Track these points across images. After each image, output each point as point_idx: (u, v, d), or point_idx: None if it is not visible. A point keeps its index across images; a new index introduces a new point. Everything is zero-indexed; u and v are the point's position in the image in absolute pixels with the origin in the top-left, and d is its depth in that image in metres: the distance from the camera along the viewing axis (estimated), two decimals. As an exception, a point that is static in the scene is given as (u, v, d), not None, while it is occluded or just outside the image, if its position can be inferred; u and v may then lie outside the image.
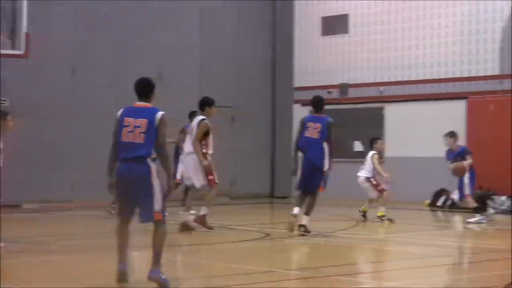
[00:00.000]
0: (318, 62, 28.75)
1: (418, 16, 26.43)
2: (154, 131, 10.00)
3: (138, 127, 10.00)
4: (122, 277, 10.08)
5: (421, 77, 26.27)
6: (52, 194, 23.67)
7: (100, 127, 21.09)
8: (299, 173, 16.33)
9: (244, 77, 28.55)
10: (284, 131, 28.85)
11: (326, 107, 26.79)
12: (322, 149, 16.22)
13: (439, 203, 24.40)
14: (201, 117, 16.77)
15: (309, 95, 28.04)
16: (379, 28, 27.29)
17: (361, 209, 19.74)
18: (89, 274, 11.55)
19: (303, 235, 16.09)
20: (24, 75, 23.59)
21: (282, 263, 13.60)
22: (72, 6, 24.76)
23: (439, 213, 23.44)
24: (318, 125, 16.34)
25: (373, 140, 20.45)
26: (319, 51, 28.77)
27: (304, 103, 28.33)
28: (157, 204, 10.07)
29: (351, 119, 27.33)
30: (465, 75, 25.33)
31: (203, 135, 16.52)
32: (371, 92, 27.25)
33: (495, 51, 24.79)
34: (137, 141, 9.98)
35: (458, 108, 25.09)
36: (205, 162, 16.41)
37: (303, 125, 16.58)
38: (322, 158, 16.21)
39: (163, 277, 9.97)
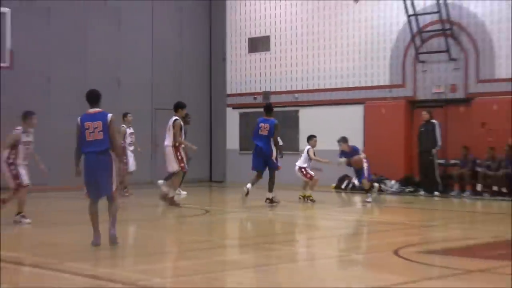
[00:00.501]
0: (245, 73, 29.04)
1: (325, 37, 26.78)
2: (107, 129, 11.20)
3: (97, 128, 11.22)
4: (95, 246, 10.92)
5: (328, 86, 26.66)
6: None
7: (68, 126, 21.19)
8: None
9: (186, 85, 28.81)
10: (220, 129, 29.28)
11: (251, 110, 27.50)
12: (269, 142, 18.66)
13: (343, 186, 24.78)
14: (174, 117, 18.00)
15: (238, 101, 28.71)
16: (295, 47, 27.65)
17: (300, 196, 19.92)
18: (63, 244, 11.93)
19: (271, 204, 18.11)
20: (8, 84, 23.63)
21: (218, 234, 13.97)
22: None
23: (343, 194, 23.83)
24: (267, 125, 18.77)
25: (310, 137, 20.66)
26: (246, 65, 29.04)
27: (234, 107, 28.83)
28: (114, 184, 11.33)
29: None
30: (363, 84, 25.81)
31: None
32: (289, 98, 27.62)
33: (386, 66, 25.32)
34: (99, 138, 11.19)
35: (357, 111, 25.53)
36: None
37: (257, 124, 18.93)
38: (269, 149, 18.64)
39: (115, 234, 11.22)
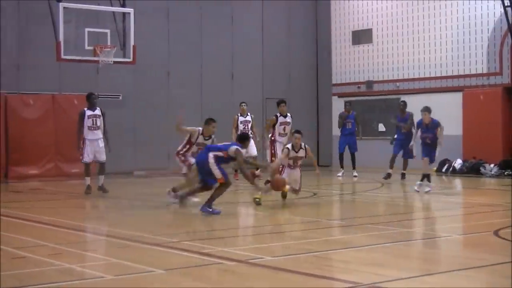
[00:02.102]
0: (349, 64, 28.89)
1: (424, 29, 26.42)
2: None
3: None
4: None
5: (427, 75, 26.27)
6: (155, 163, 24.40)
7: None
8: None
9: (295, 76, 28.92)
10: (326, 116, 29.22)
11: (354, 98, 27.31)
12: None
13: (444, 169, 24.35)
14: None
15: (343, 90, 28.56)
16: (395, 38, 27.31)
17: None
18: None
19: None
20: (132, 76, 24.17)
21: (325, 215, 13.86)
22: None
23: (444, 177, 23.39)
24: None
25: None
26: (350, 56, 28.86)
27: (339, 95, 28.67)
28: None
29: (376, 108, 27.61)
30: (461, 73, 25.36)
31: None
32: (390, 86, 27.34)
33: (484, 55, 24.76)
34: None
35: (456, 99, 25.10)
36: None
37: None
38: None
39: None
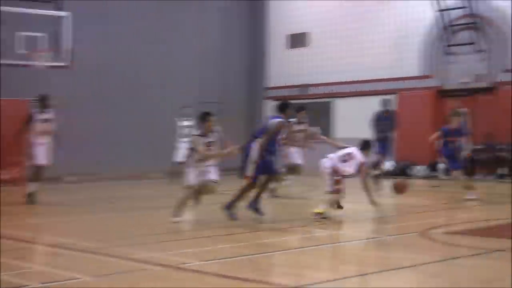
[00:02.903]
0: (284, 68, 29.00)
1: (359, 33, 26.69)
2: None
3: None
4: None
5: (362, 78, 26.54)
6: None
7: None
8: None
9: (229, 78, 28.92)
10: (259, 120, 29.18)
11: (292, 101, 27.32)
12: None
13: (374, 172, 24.63)
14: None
15: (277, 93, 28.63)
16: (331, 42, 27.55)
17: None
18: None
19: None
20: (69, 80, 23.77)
21: (254, 218, 13.88)
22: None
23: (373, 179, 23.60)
24: None
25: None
26: (285, 59, 29.01)
27: (275, 99, 28.71)
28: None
29: (311, 111, 27.75)
30: (395, 76, 25.65)
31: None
32: (325, 90, 27.55)
33: (416, 58, 25.12)
34: None
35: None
36: None
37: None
38: None
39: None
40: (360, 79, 26.53)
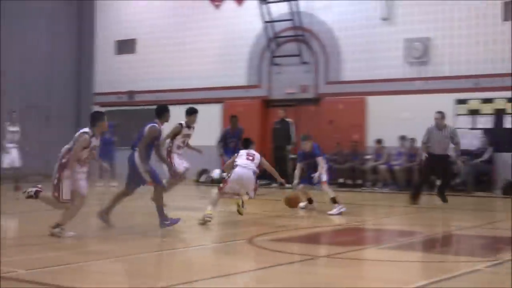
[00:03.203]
0: (112, 73, 28.66)
1: (187, 41, 26.77)
2: None
3: None
4: None
5: (189, 86, 26.59)
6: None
7: None
8: None
9: (55, 83, 28.20)
10: (87, 126, 28.57)
11: (116, 108, 27.13)
12: None
13: (202, 179, 24.81)
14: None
15: (105, 99, 28.24)
16: (159, 49, 27.49)
17: None
18: None
19: None
20: None
21: (81, 226, 13.61)
22: None
23: (202, 187, 23.79)
24: None
25: None
26: (113, 65, 28.69)
27: (101, 105, 28.27)
28: None
29: (138, 118, 27.55)
30: (222, 85, 25.88)
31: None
32: (152, 97, 27.31)
33: (244, 68, 25.50)
34: None
35: (216, 110, 25.62)
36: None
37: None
38: None
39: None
40: (188, 87, 26.58)
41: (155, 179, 12.30)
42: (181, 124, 15.79)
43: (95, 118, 11.65)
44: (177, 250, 10.53)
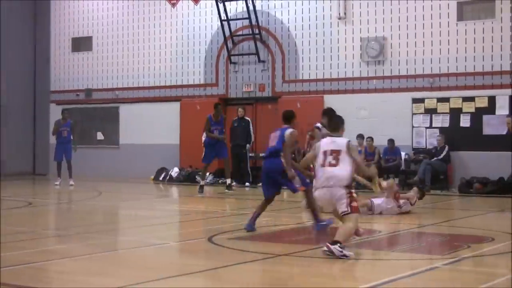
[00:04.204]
0: (69, 72, 28.41)
1: (144, 38, 26.66)
2: None
3: None
4: None
5: (146, 84, 26.48)
6: None
7: None
8: None
9: (10, 82, 27.90)
10: (43, 124, 28.39)
11: (73, 106, 26.97)
12: None
13: (161, 178, 24.71)
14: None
15: (61, 97, 28.00)
16: (116, 47, 27.31)
17: None
18: None
19: None
20: None
21: (41, 225, 13.50)
22: None
23: (161, 186, 23.72)
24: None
25: None
26: (69, 63, 28.44)
27: (58, 103, 28.04)
28: None
29: (95, 116, 27.43)
30: (179, 83, 25.82)
31: None
32: (109, 95, 27.27)
33: (201, 66, 25.44)
34: None
35: (174, 108, 25.53)
36: None
37: None
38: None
39: None
40: (145, 85, 26.47)
41: (304, 183, 11.84)
42: None
43: None
44: (136, 249, 10.45)
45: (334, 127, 10.28)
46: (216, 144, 19.46)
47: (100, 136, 27.32)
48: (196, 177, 22.07)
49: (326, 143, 9.97)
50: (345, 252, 9.07)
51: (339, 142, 9.86)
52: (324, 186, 9.69)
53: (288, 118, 12.33)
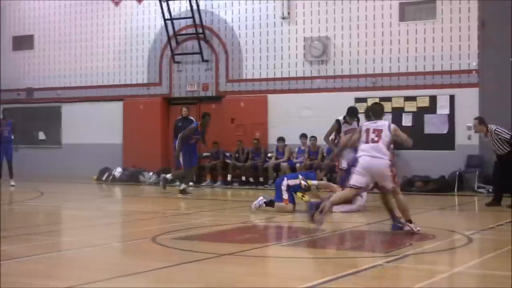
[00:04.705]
0: (9, 71, 27.99)
1: (87, 37, 26.46)
2: None
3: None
4: None
5: (89, 84, 26.28)
6: None
7: None
8: None
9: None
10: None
11: (16, 105, 26.59)
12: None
13: (104, 178, 24.51)
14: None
15: (3, 96, 27.55)
16: (58, 46, 27.07)
17: None
18: None
19: None
20: None
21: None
22: None
23: (104, 186, 23.53)
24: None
25: None
26: (10, 62, 28.02)
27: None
28: None
29: (36, 116, 27.09)
30: (122, 82, 25.67)
31: None
32: (51, 94, 26.96)
33: (144, 66, 25.32)
34: None
35: (117, 108, 25.38)
36: None
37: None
38: None
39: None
40: (88, 84, 26.25)
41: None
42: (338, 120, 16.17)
43: None
44: (79, 249, 10.35)
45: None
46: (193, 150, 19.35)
47: (42, 136, 26.98)
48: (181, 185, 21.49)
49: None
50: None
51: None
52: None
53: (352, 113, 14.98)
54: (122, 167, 24.46)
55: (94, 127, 25.61)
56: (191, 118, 22.95)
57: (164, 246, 10.29)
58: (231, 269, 8.75)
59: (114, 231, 12.73)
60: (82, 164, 25.28)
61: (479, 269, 8.79)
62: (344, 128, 15.92)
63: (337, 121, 16.17)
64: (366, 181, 11.41)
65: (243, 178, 22.41)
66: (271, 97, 23.13)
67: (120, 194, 21.09)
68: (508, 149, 15.31)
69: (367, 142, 11.38)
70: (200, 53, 24.03)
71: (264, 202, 14.62)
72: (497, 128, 15.52)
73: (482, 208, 15.95)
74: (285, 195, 14.55)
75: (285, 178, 14.85)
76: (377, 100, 21.30)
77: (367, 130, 11.47)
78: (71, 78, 26.68)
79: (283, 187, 14.61)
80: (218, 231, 12.19)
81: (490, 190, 18.21)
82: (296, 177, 14.72)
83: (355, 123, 15.87)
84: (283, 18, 23.08)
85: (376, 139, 11.34)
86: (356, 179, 11.43)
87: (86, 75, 26.39)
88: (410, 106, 21.35)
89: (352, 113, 16.04)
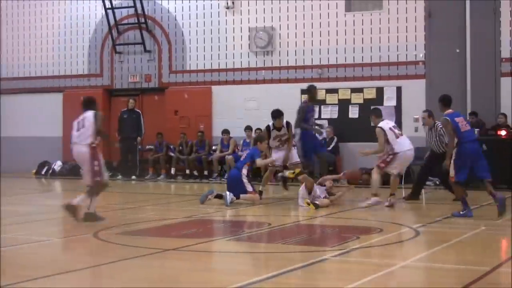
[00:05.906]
0: None
1: (25, 26, 26.06)
2: None
3: None
4: None
5: (27, 74, 25.94)
6: None
7: None
8: None
9: None
10: None
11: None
12: None
13: (43, 172, 24.21)
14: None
15: None
16: (-6, 35, 26.69)
17: None
18: None
19: None
20: None
21: None
22: None
23: (43, 180, 23.24)
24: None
25: None
26: None
27: None
28: None
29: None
30: (62, 73, 25.38)
31: None
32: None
33: (84, 56, 25.07)
34: None
35: (57, 99, 25.07)
36: None
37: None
38: None
39: None
40: (27, 75, 25.89)
41: None
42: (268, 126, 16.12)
43: None
44: (17, 246, 10.19)
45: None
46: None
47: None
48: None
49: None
50: None
51: None
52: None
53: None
54: (62, 160, 24.17)
55: (33, 120, 25.24)
56: (138, 110, 22.84)
57: (106, 241, 10.21)
58: (174, 265, 8.71)
59: (54, 227, 12.59)
60: (20, 158, 24.88)
61: (426, 262, 8.88)
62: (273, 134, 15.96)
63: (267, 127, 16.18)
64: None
65: (187, 172, 22.34)
66: (215, 89, 23.08)
67: (60, 188, 20.86)
68: (444, 151, 14.88)
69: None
70: (142, 43, 23.87)
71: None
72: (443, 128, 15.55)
73: (429, 201, 16.13)
74: (249, 187, 14.59)
75: (242, 168, 14.76)
76: (323, 92, 21.40)
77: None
78: (8, 68, 26.28)
79: (245, 179, 14.59)
80: (162, 226, 12.14)
81: (437, 182, 18.38)
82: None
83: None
84: (227, 8, 23.02)
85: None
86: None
87: (24, 65, 26.02)
88: (357, 98, 21.48)
89: (276, 115, 15.94)
